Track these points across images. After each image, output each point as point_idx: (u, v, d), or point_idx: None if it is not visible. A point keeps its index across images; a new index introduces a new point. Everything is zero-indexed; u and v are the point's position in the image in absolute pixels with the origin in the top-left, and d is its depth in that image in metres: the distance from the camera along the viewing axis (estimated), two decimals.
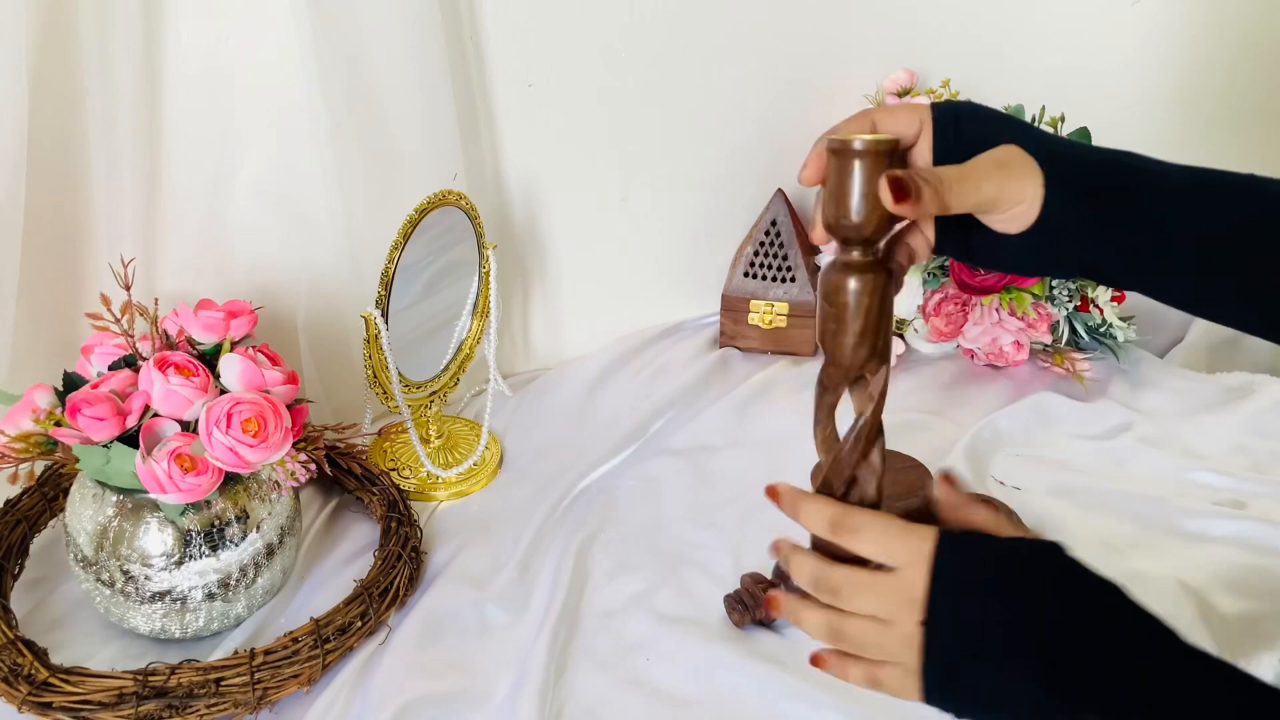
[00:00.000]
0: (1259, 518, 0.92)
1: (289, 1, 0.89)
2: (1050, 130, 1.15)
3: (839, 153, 0.55)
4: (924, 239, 0.57)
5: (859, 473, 0.56)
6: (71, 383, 0.77)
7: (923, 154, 0.55)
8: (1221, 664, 0.49)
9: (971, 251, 0.57)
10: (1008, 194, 0.52)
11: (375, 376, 0.93)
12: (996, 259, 0.56)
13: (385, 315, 0.91)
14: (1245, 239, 0.53)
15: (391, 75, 0.98)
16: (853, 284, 0.55)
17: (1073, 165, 0.53)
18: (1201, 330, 1.24)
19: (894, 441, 1.07)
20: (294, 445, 0.77)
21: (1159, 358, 1.20)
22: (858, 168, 0.54)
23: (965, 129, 0.55)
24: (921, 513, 0.54)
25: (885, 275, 0.55)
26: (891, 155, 0.54)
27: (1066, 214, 0.53)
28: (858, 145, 0.53)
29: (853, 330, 0.55)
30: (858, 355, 0.55)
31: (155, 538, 0.75)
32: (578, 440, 1.05)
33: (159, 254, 0.95)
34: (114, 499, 0.76)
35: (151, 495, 0.72)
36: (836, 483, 0.56)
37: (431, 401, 1.03)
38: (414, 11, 0.97)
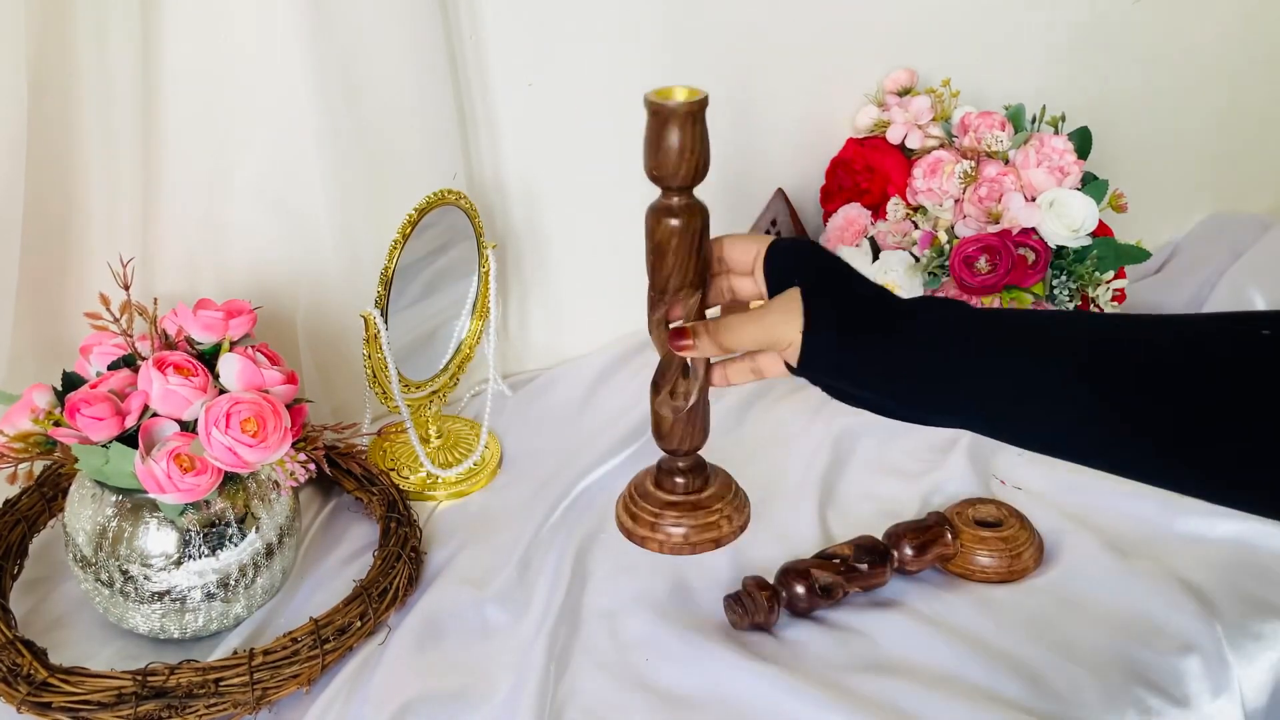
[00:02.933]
0: (1258, 517, 0.92)
1: (288, 0, 0.89)
2: (1052, 128, 1.15)
3: (656, 112, 0.63)
4: (767, 356, 0.66)
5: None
6: (70, 382, 0.77)
7: (757, 280, 0.64)
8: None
9: (796, 374, 0.64)
10: (778, 336, 0.60)
11: (374, 376, 0.93)
12: (818, 383, 0.63)
13: (385, 315, 0.91)
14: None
15: (391, 74, 0.98)
16: (669, 224, 0.66)
17: (834, 310, 0.60)
18: None
19: (894, 441, 1.07)
20: (293, 445, 0.77)
21: None
22: (672, 125, 0.63)
23: (782, 265, 0.63)
24: None
25: (698, 218, 0.66)
26: (699, 113, 0.63)
27: (824, 358, 0.60)
28: (672, 104, 0.62)
29: (667, 263, 0.67)
30: (672, 282, 0.67)
31: (154, 538, 0.75)
32: (578, 440, 1.05)
33: (158, 253, 0.95)
34: (113, 499, 0.75)
35: (150, 495, 0.72)
36: (671, 366, 0.72)
37: (431, 401, 1.03)
38: (413, 10, 0.97)
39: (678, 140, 0.63)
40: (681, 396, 0.74)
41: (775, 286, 0.62)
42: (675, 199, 0.66)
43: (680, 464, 0.76)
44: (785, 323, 0.60)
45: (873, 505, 0.95)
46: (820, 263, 0.62)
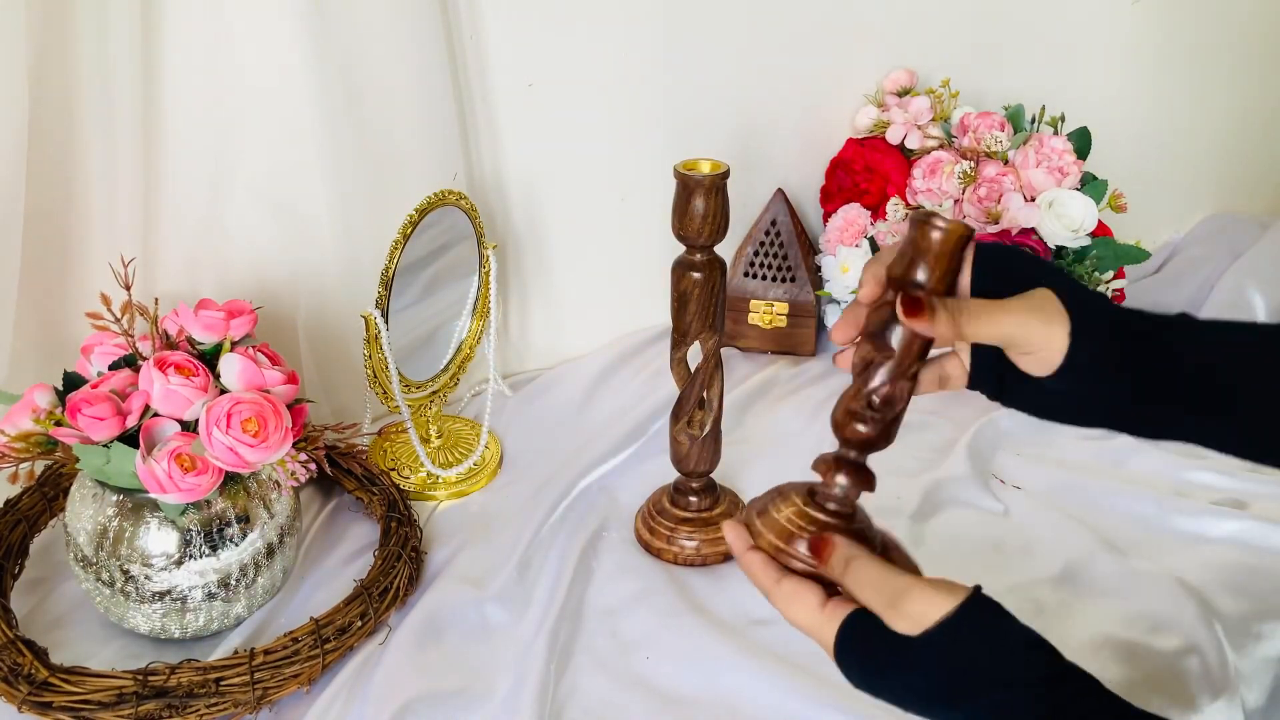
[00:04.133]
0: (1259, 517, 0.92)
1: (288, 1, 0.89)
2: (1051, 129, 1.15)
3: (684, 183, 0.76)
4: (960, 366, 0.59)
5: (706, 393, 0.86)
6: (71, 382, 0.77)
7: (963, 286, 0.56)
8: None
9: (1004, 389, 0.58)
10: (1033, 335, 0.53)
11: (375, 376, 0.93)
12: (1026, 400, 0.57)
13: (385, 315, 0.91)
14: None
15: (391, 75, 0.98)
16: (693, 276, 0.80)
17: (1102, 314, 0.54)
18: None
19: (895, 441, 1.07)
20: (294, 445, 0.77)
21: None
22: (698, 194, 0.76)
23: (1006, 270, 0.55)
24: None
25: (717, 271, 0.79)
26: (722, 184, 0.74)
27: (1093, 361, 0.53)
28: (698, 177, 0.76)
29: (689, 310, 0.81)
30: (694, 326, 0.82)
31: (155, 537, 0.75)
32: (578, 440, 1.05)
33: (159, 254, 0.95)
34: (114, 499, 0.76)
35: (151, 495, 0.72)
36: (689, 399, 0.84)
37: (431, 401, 1.03)
38: (413, 11, 0.97)
39: (702, 207, 0.77)
40: (697, 426, 0.86)
41: (1002, 290, 0.54)
42: (698, 255, 0.79)
43: (694, 484, 0.90)
44: (1048, 321, 0.53)
45: (874, 504, 0.95)
46: (1050, 268, 0.56)
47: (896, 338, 0.54)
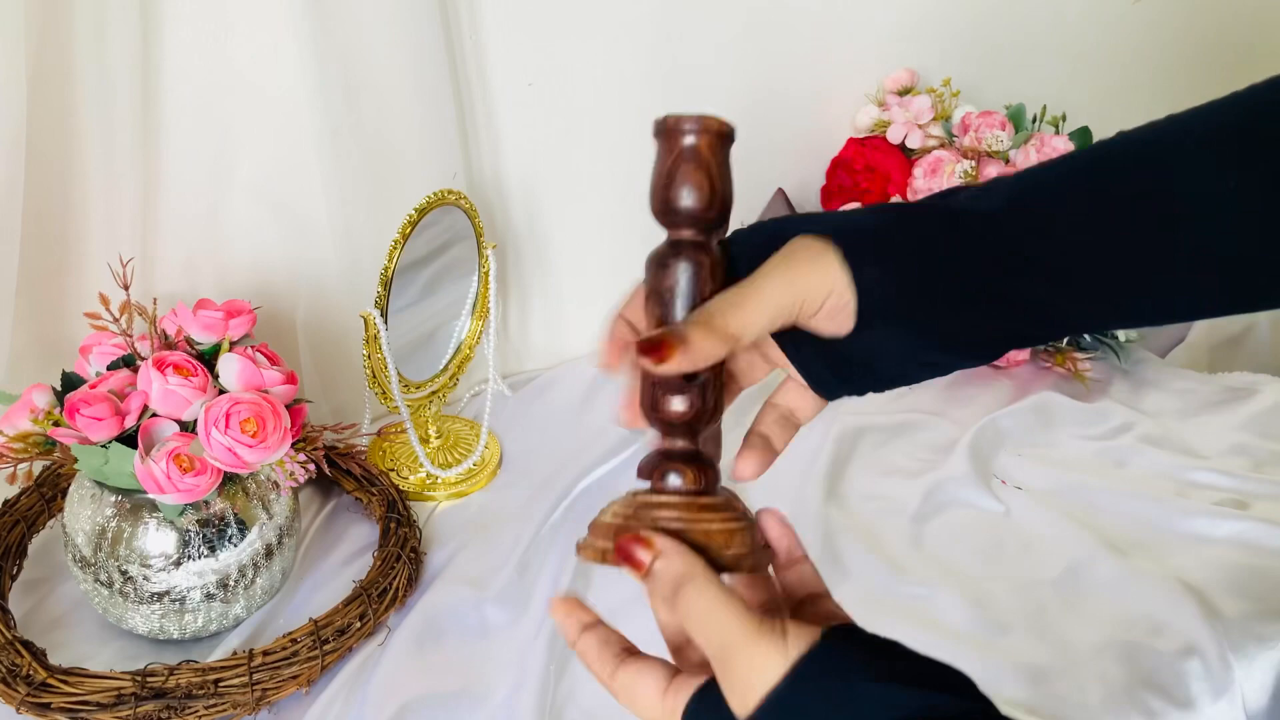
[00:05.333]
0: (1260, 518, 0.92)
1: (287, 0, 0.89)
2: (1053, 128, 1.15)
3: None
4: (796, 390, 0.48)
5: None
6: (70, 382, 0.77)
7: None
8: None
9: (839, 375, 0.46)
10: (809, 288, 0.42)
11: (374, 376, 0.93)
12: (866, 372, 0.45)
13: (384, 315, 0.91)
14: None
15: (391, 74, 0.98)
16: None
17: (868, 232, 0.43)
18: (1202, 330, 1.25)
19: (895, 441, 1.07)
20: (293, 445, 0.76)
21: (1160, 358, 1.20)
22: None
23: (740, 255, 0.45)
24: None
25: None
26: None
27: (886, 276, 0.42)
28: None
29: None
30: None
31: (154, 538, 0.75)
32: (578, 440, 1.05)
33: (157, 253, 0.95)
34: (112, 499, 0.75)
35: (150, 495, 0.72)
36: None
37: (431, 401, 1.03)
38: (413, 10, 0.97)
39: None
40: None
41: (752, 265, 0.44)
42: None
43: None
44: (812, 262, 0.42)
45: (874, 505, 0.95)
46: (790, 219, 0.46)
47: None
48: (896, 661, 0.39)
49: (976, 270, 0.43)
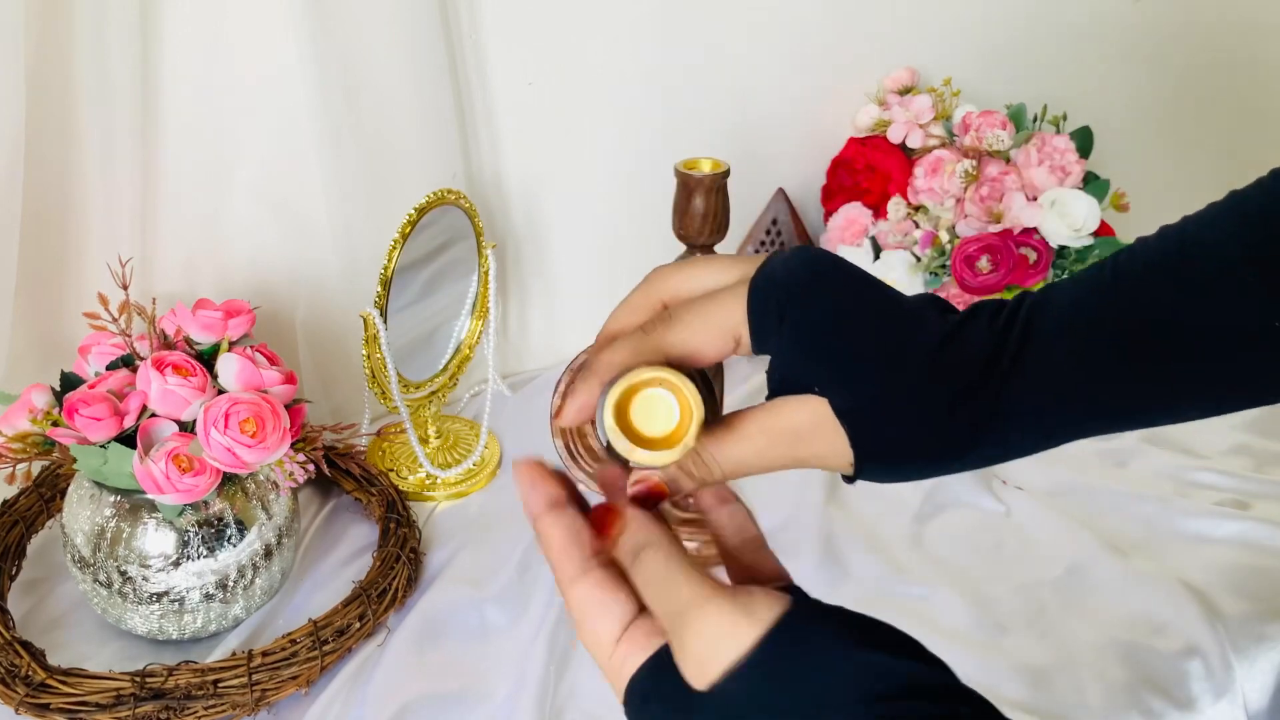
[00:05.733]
0: (1261, 518, 0.92)
1: (287, 0, 0.89)
2: (1054, 127, 1.15)
3: (684, 182, 0.74)
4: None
5: None
6: (69, 382, 0.77)
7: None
8: None
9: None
10: (808, 461, 0.43)
11: (374, 376, 0.93)
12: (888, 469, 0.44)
13: (384, 315, 0.90)
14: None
15: (390, 74, 0.98)
16: None
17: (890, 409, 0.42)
18: None
19: None
20: (292, 446, 0.76)
21: None
22: (698, 193, 0.77)
23: (790, 317, 0.42)
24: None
25: None
26: (722, 183, 0.60)
27: (890, 449, 0.42)
28: (698, 175, 0.75)
29: None
30: None
31: (153, 538, 0.75)
32: None
33: (157, 253, 0.95)
34: (111, 499, 0.75)
35: (149, 496, 0.72)
36: None
37: (430, 402, 1.03)
38: (412, 10, 0.97)
39: (703, 206, 0.76)
40: None
41: (788, 341, 0.42)
42: (699, 255, 0.72)
43: None
44: (821, 446, 0.42)
45: (875, 505, 0.95)
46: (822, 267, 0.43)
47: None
48: (871, 632, 0.37)
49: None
